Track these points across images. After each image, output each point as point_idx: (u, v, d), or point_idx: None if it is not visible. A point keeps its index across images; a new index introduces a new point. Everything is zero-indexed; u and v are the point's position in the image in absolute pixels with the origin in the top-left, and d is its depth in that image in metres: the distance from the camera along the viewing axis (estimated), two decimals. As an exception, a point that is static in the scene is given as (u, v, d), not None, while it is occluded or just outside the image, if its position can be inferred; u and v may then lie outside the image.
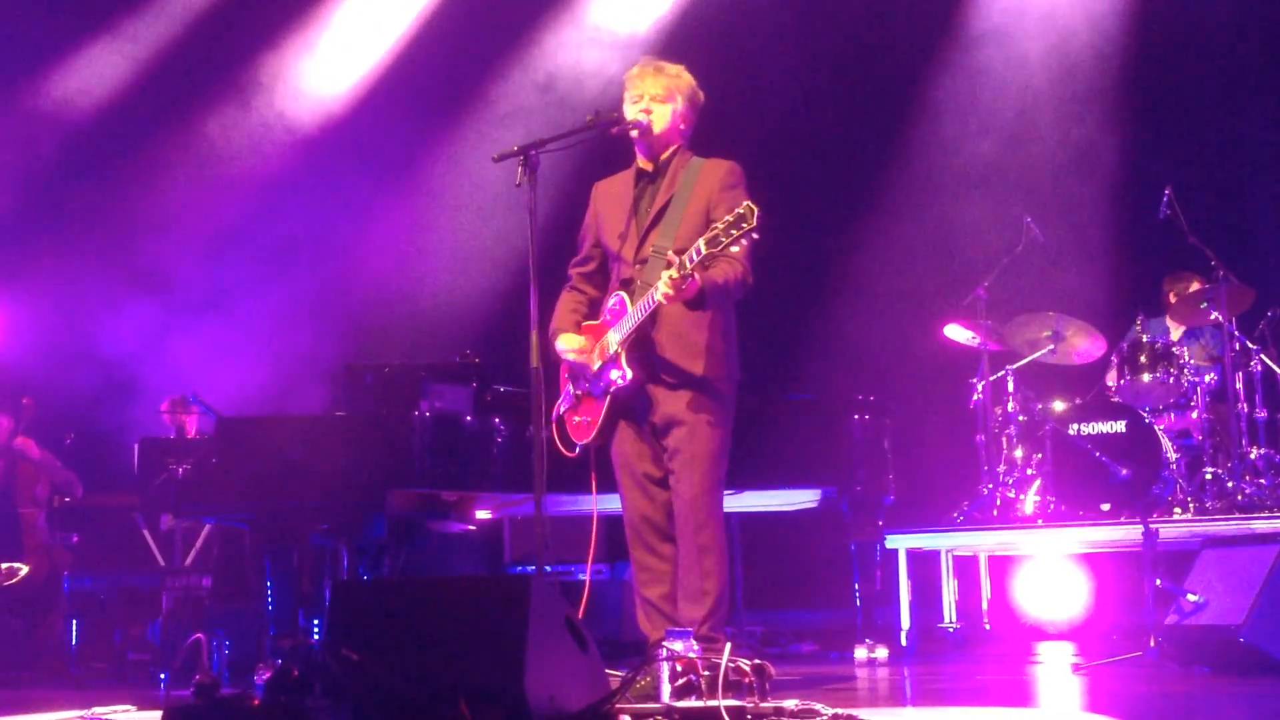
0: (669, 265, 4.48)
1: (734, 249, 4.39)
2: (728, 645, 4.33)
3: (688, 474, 4.69)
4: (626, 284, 4.80)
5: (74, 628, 7.05)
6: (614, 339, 4.73)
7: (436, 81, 9.68)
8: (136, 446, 7.53)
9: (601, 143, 4.87)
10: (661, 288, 4.45)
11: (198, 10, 9.48)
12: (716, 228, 4.37)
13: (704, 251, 4.37)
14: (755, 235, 4.35)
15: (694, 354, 4.72)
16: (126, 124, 9.37)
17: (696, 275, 4.44)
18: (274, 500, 5.95)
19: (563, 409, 4.96)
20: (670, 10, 9.60)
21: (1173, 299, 7.96)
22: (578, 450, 4.90)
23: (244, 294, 9.21)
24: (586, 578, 5.22)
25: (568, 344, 4.86)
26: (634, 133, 4.82)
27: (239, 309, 9.16)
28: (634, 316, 4.66)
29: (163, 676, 6.19)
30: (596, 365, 4.78)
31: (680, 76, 4.87)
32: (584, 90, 9.53)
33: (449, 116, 9.73)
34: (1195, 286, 7.75)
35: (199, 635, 5.34)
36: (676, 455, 4.71)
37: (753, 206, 4.33)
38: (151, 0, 9.44)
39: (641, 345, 4.71)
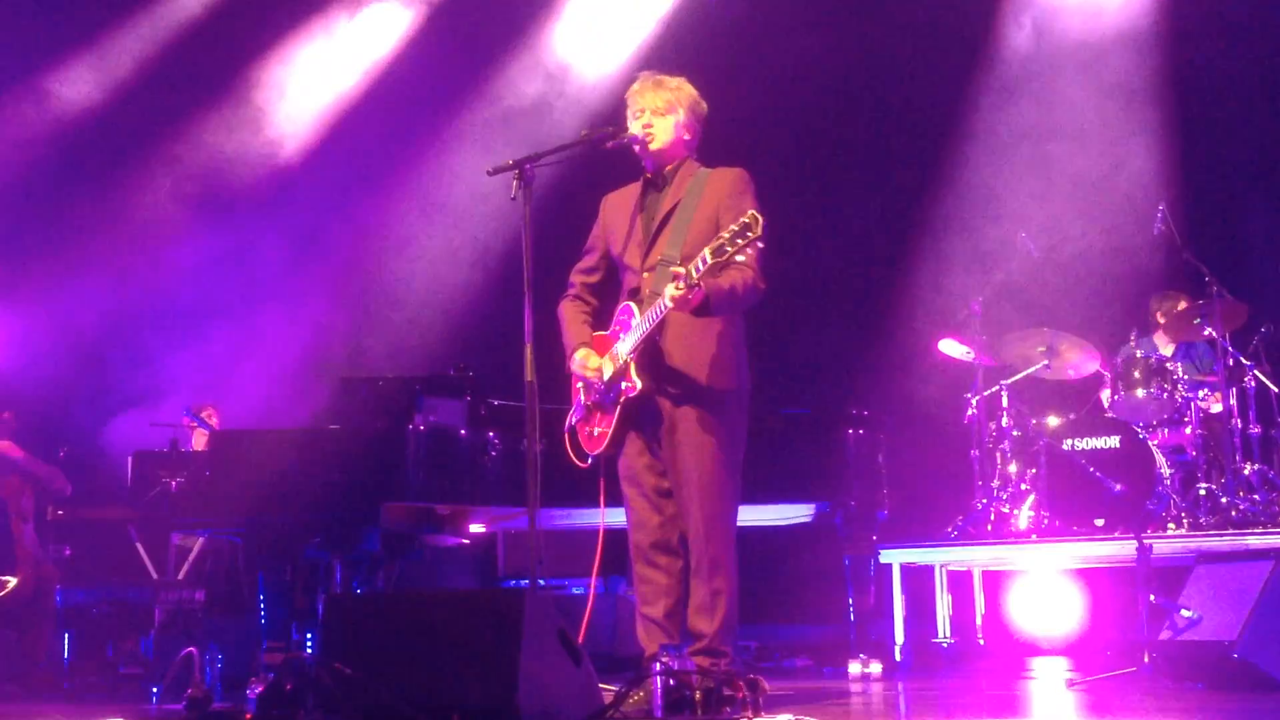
0: (675, 275, 4.46)
1: (739, 258, 4.38)
2: (723, 660, 4.32)
3: (696, 490, 4.65)
4: (634, 293, 4.79)
5: (66, 641, 7.02)
6: (623, 349, 4.72)
7: (430, 93, 9.69)
8: (130, 459, 7.52)
9: (599, 156, 4.88)
10: (668, 293, 4.45)
11: (193, 20, 9.51)
12: (722, 237, 4.35)
13: (709, 260, 4.36)
14: (760, 244, 4.35)
15: (701, 365, 4.70)
16: (123, 135, 9.38)
17: (702, 283, 4.43)
18: (267, 513, 5.95)
19: (575, 420, 4.93)
20: (670, 26, 9.64)
21: (1160, 318, 8.00)
22: (589, 461, 4.88)
23: (239, 307, 9.22)
24: (590, 591, 5.20)
25: (581, 361, 4.85)
26: (636, 148, 4.83)
27: (234, 322, 9.16)
28: (642, 326, 4.65)
29: (155, 690, 6.16)
30: (607, 375, 4.78)
31: (681, 89, 4.87)
32: (584, 98, 9.57)
33: (442, 129, 9.74)
34: (1183, 305, 7.78)
35: (191, 649, 5.33)
36: (684, 471, 4.68)
37: (757, 215, 4.32)
38: (148, 8, 9.47)
39: (650, 355, 4.70)
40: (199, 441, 7.92)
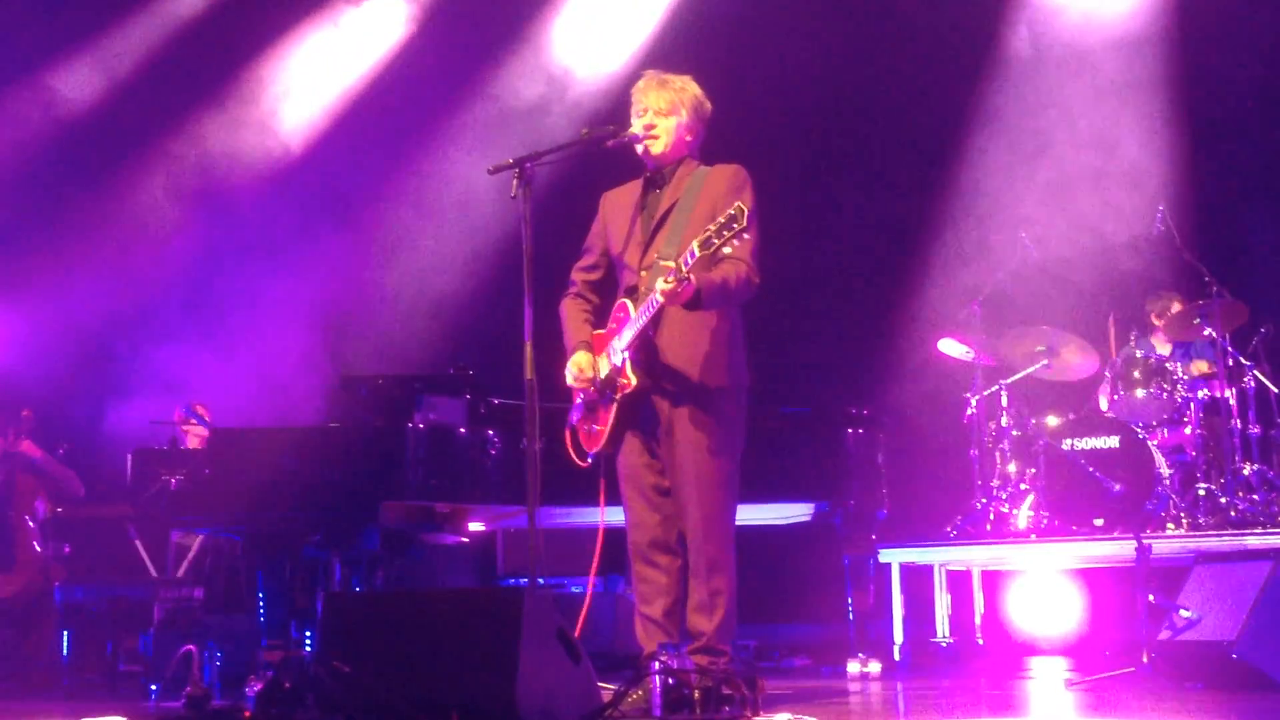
0: (666, 270, 4.44)
1: (726, 250, 4.37)
2: (722, 659, 4.32)
3: (694, 490, 4.65)
4: (631, 291, 4.79)
5: (65, 639, 7.02)
6: (618, 345, 4.72)
7: (429, 90, 9.69)
8: (130, 457, 7.51)
9: (599, 154, 4.87)
10: (658, 287, 4.45)
11: (190, 17, 9.51)
12: (709, 230, 4.35)
13: (697, 254, 4.36)
14: (747, 235, 4.34)
15: (696, 362, 4.68)
16: (122, 131, 9.38)
17: (692, 277, 4.42)
18: (267, 511, 5.94)
19: (575, 418, 4.93)
20: (669, 26, 9.63)
21: (1155, 320, 8.01)
22: (590, 459, 4.88)
23: (239, 304, 9.22)
24: (588, 590, 5.20)
25: (577, 364, 4.85)
26: (638, 148, 4.82)
27: (235, 319, 9.16)
28: (636, 323, 4.64)
29: (154, 688, 6.17)
30: (603, 372, 4.78)
31: (685, 89, 4.85)
32: (583, 98, 9.56)
33: (441, 127, 9.73)
34: (1177, 306, 7.79)
35: (190, 647, 5.33)
36: (681, 471, 4.67)
37: (743, 207, 4.31)
38: (142, 6, 9.47)
39: (645, 352, 4.69)
40: (194, 440, 7.92)
